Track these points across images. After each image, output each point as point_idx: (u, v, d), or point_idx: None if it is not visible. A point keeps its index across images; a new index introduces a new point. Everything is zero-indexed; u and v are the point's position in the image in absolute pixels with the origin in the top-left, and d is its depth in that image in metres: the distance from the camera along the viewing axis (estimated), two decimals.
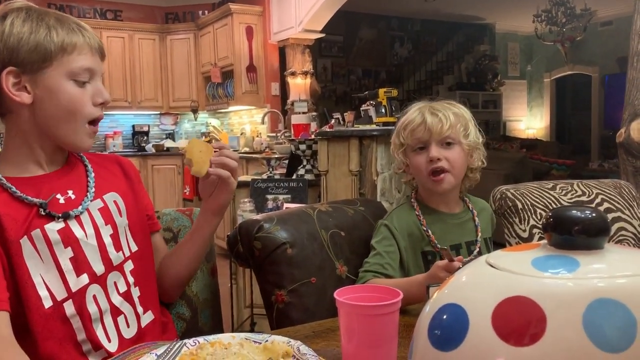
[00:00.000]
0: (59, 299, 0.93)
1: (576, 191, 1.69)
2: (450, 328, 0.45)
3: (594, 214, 0.47)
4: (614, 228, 1.63)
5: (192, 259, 1.16)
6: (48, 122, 0.95)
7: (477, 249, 1.27)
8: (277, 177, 3.40)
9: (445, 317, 0.47)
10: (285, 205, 2.81)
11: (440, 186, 1.24)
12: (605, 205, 1.67)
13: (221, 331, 1.25)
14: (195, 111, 6.51)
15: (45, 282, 0.92)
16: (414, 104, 1.30)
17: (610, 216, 1.63)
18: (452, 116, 1.23)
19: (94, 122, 0.99)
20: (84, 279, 0.95)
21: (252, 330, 2.77)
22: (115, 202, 1.05)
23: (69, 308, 0.93)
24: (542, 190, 1.66)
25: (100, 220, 1.00)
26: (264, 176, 3.44)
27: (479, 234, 1.28)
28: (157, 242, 1.16)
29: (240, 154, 5.04)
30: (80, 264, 0.95)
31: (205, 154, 1.02)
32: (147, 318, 1.04)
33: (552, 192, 1.67)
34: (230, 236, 1.30)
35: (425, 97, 1.32)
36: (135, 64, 6.30)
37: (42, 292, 0.91)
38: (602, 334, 0.39)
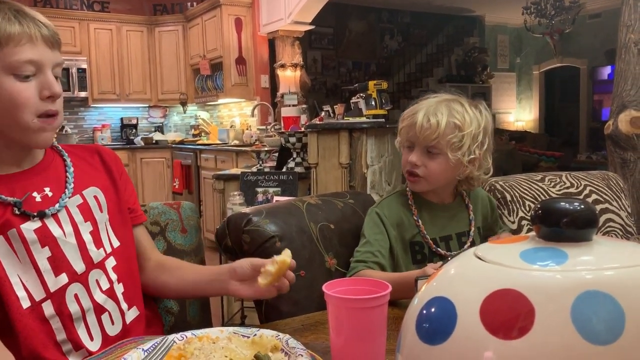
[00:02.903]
0: (37, 299, 0.90)
1: (564, 183, 1.69)
2: (438, 321, 0.45)
3: (582, 206, 0.47)
4: (601, 219, 1.65)
5: (192, 292, 1.13)
6: None
7: (469, 243, 1.26)
8: (267, 170, 3.39)
9: (433, 310, 0.47)
10: (275, 198, 2.80)
11: (413, 186, 1.27)
12: (594, 196, 1.68)
13: (210, 325, 1.24)
14: (184, 104, 6.47)
15: (23, 282, 0.89)
16: (435, 95, 1.25)
17: (598, 208, 1.64)
18: (447, 125, 1.17)
19: (46, 114, 0.91)
20: (63, 278, 0.93)
21: (242, 324, 2.77)
22: (95, 197, 1.02)
23: (48, 308, 0.91)
24: (530, 182, 1.67)
25: (79, 217, 0.97)
26: (254, 169, 3.43)
27: (472, 228, 1.28)
28: (139, 235, 1.12)
29: (230, 147, 5.02)
30: (59, 263, 0.93)
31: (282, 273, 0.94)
32: (132, 314, 1.02)
33: (540, 184, 1.67)
34: (219, 230, 1.29)
35: (456, 92, 1.26)
36: (123, 56, 6.24)
37: (20, 293, 0.89)
38: (590, 326, 0.39)
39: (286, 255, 0.93)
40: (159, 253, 1.16)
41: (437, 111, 1.19)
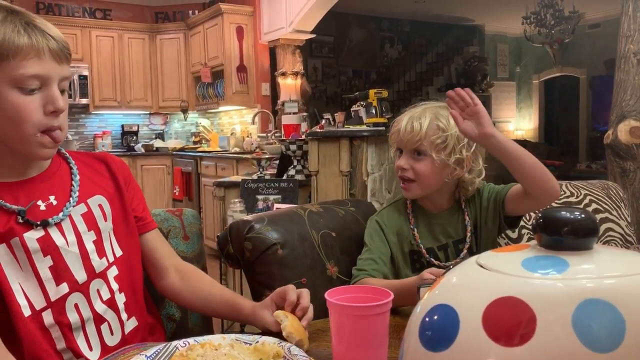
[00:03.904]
0: (37, 308, 0.90)
1: (565, 192, 1.70)
2: (441, 328, 0.46)
3: (582, 215, 0.48)
4: (601, 229, 1.65)
5: (216, 316, 1.15)
6: None
7: (465, 250, 1.26)
8: (267, 177, 3.39)
9: (436, 317, 0.47)
10: (276, 205, 2.80)
11: (406, 193, 1.27)
12: (594, 206, 1.68)
13: (211, 332, 1.24)
14: (185, 111, 6.48)
15: (24, 290, 0.89)
16: (423, 103, 1.27)
17: (597, 217, 1.64)
18: (430, 127, 1.20)
19: (50, 130, 0.90)
20: (64, 288, 0.92)
21: (242, 331, 2.76)
22: (100, 205, 1.01)
23: (48, 317, 0.91)
24: None
25: (82, 227, 0.97)
26: (255, 176, 3.44)
27: (468, 234, 1.27)
28: (151, 241, 1.11)
29: (231, 155, 5.03)
30: (60, 272, 0.92)
31: (299, 323, 0.90)
32: (131, 324, 1.02)
33: None
34: (221, 237, 1.29)
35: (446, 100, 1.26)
36: (124, 64, 6.26)
37: (21, 301, 0.89)
38: (591, 334, 0.40)
39: (284, 317, 0.89)
40: (179, 259, 1.14)
41: (422, 115, 1.22)
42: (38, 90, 0.88)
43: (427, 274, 1.03)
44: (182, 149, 6.16)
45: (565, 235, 0.47)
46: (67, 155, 1.04)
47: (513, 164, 1.14)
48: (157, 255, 1.11)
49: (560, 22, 7.18)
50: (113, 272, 1.00)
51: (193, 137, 6.60)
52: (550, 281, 0.44)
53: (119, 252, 1.02)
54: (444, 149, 1.20)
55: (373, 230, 1.28)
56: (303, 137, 3.46)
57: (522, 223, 1.59)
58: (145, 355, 0.78)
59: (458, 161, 1.21)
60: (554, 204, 1.65)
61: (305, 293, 0.95)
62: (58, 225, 0.94)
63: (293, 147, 3.35)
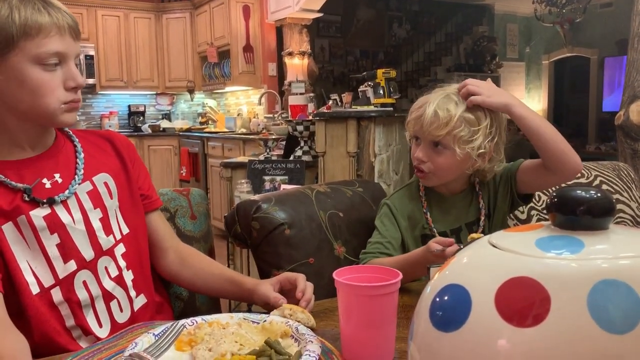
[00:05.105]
0: (46, 285, 0.91)
1: None
2: (453, 309, 0.45)
3: (599, 194, 0.47)
4: None
5: (215, 296, 1.16)
6: (19, 107, 0.89)
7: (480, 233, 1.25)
8: (274, 158, 3.39)
9: (447, 298, 0.46)
10: (283, 186, 2.80)
11: (423, 181, 1.24)
12: (604, 187, 1.66)
13: (218, 311, 1.25)
14: (191, 91, 6.46)
15: (32, 268, 0.90)
16: (443, 88, 1.19)
17: None
18: (455, 118, 1.13)
19: (72, 102, 0.93)
20: (72, 265, 0.93)
21: (249, 311, 2.78)
22: (105, 183, 1.01)
23: (57, 295, 0.91)
24: None
25: (88, 204, 0.97)
26: (261, 157, 3.43)
27: (482, 217, 1.25)
28: (154, 221, 1.11)
29: (237, 135, 5.02)
30: (67, 250, 0.93)
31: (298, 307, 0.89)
32: (140, 301, 1.02)
33: None
34: (228, 217, 1.29)
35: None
36: (130, 44, 6.23)
37: (29, 279, 0.89)
38: (606, 315, 0.39)
39: (282, 311, 0.88)
40: (178, 241, 1.15)
41: (446, 105, 1.14)
42: (57, 66, 0.90)
43: (433, 244, 1.00)
44: (188, 130, 6.16)
45: (580, 215, 0.46)
46: (71, 133, 1.04)
47: (532, 135, 1.13)
48: (159, 235, 1.12)
49: (572, 1, 7.04)
50: (120, 249, 1.01)
51: (200, 118, 6.59)
52: (565, 261, 0.43)
53: (125, 230, 1.03)
54: (469, 142, 1.13)
55: (384, 214, 1.25)
56: (310, 117, 3.44)
57: (531, 204, 1.58)
58: (153, 334, 0.78)
59: (481, 154, 1.16)
60: (563, 185, 1.63)
61: (309, 287, 0.96)
62: (64, 202, 0.94)
63: (300, 127, 3.33)
